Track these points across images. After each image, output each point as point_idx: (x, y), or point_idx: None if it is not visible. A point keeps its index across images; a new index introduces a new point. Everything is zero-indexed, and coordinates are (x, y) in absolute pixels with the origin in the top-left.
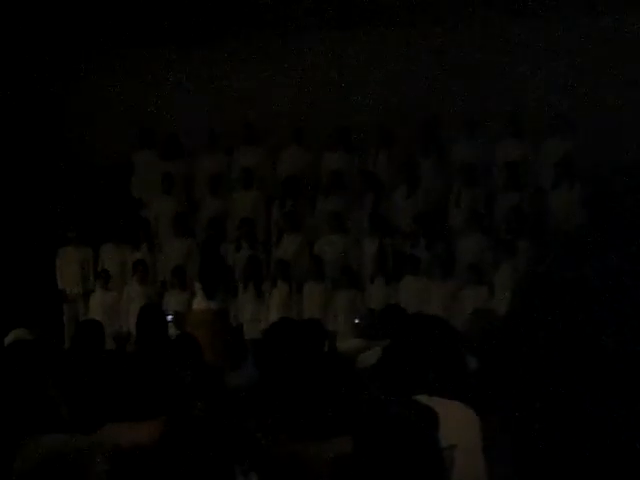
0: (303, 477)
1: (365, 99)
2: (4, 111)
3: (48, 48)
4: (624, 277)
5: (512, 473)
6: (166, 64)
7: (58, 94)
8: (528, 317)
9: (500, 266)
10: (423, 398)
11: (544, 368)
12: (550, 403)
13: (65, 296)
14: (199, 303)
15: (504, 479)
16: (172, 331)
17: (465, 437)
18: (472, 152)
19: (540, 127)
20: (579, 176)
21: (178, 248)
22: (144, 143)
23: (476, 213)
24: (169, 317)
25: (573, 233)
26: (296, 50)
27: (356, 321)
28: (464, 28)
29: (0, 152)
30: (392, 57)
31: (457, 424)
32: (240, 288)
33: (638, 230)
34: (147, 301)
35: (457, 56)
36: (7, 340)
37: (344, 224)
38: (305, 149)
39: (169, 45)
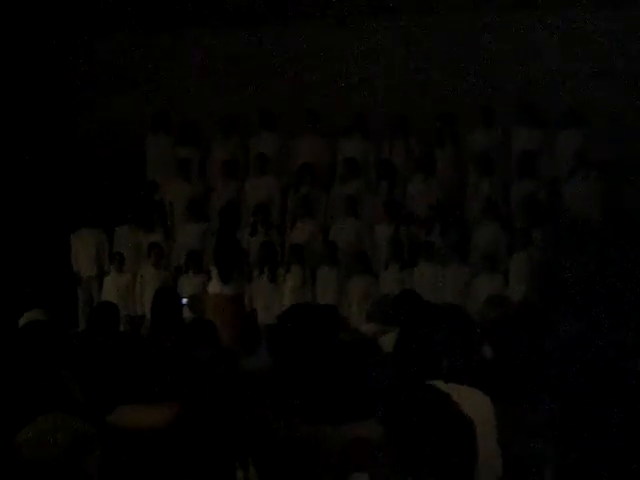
0: (316, 461)
1: (382, 87)
2: (19, 95)
3: (61, 31)
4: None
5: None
6: (181, 48)
7: (73, 77)
8: (542, 305)
9: (515, 254)
10: (438, 384)
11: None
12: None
13: (79, 279)
14: (214, 287)
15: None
16: (187, 315)
17: (480, 424)
18: (488, 141)
19: (557, 116)
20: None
21: (193, 233)
22: (158, 127)
23: (491, 201)
24: (184, 300)
25: (588, 223)
26: (313, 35)
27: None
28: (480, 16)
29: (16, 136)
30: (409, 45)
31: (472, 410)
32: (255, 273)
33: None
34: (161, 284)
35: (473, 44)
36: (22, 321)
37: (358, 210)
38: (321, 136)
39: (184, 28)
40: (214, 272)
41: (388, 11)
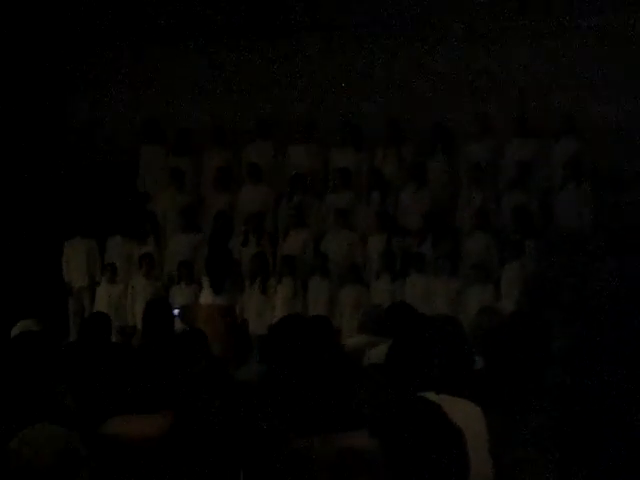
0: (308, 471)
1: (374, 97)
2: (11, 106)
3: (54, 42)
4: (631, 279)
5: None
6: (174, 58)
7: (65, 88)
8: (534, 316)
9: (506, 265)
10: (430, 395)
11: (550, 366)
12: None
13: (70, 289)
14: (205, 298)
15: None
16: (178, 325)
17: (472, 435)
18: (481, 152)
19: (548, 127)
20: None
21: (185, 243)
22: (150, 137)
23: (483, 212)
24: (175, 311)
25: (580, 234)
26: (306, 47)
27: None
28: (474, 27)
29: (7, 146)
30: (402, 57)
31: (463, 421)
32: (247, 284)
33: None
34: (153, 295)
35: (467, 55)
36: (14, 331)
37: (350, 221)
38: (314, 146)
39: (177, 41)
40: (206, 282)
41: (381, 24)
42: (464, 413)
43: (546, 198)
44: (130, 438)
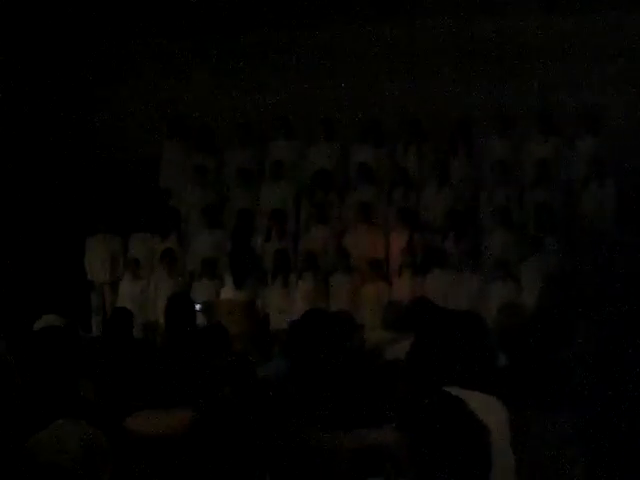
0: (330, 467)
1: (396, 93)
2: (37, 102)
3: (79, 40)
4: None
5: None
6: (198, 56)
7: (89, 84)
8: (556, 313)
9: (528, 261)
10: (453, 390)
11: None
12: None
13: (93, 285)
14: (227, 293)
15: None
16: (200, 321)
17: (494, 430)
18: (503, 149)
19: (571, 124)
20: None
21: (207, 239)
22: (173, 133)
23: (505, 209)
24: (198, 306)
25: (602, 231)
26: (329, 42)
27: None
28: (496, 20)
29: (32, 143)
30: (422, 51)
31: (486, 417)
32: (268, 279)
33: None
34: (174, 291)
35: (489, 50)
36: (37, 325)
37: (372, 216)
38: (335, 142)
39: (201, 35)
40: (228, 278)
41: (405, 16)
42: (487, 408)
43: (569, 195)
44: (152, 433)
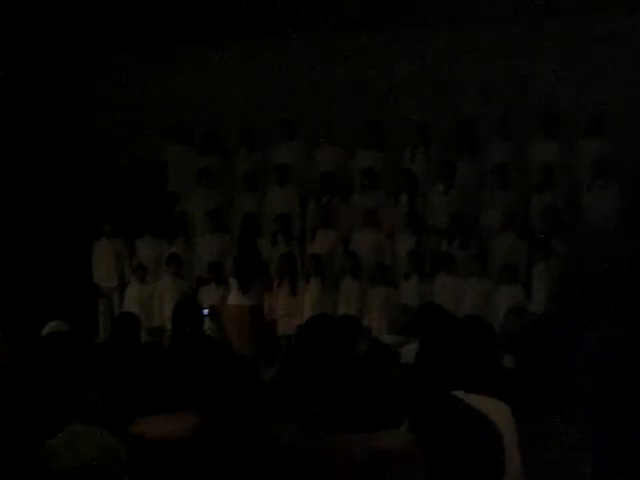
0: (337, 470)
1: (400, 98)
2: (40, 105)
3: (81, 42)
4: None
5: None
6: (202, 59)
7: (94, 87)
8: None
9: (534, 265)
10: (460, 394)
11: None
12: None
13: (100, 289)
14: (234, 298)
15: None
16: (207, 325)
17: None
18: (506, 152)
19: (575, 127)
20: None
21: (213, 243)
22: (179, 137)
23: (509, 213)
24: (205, 311)
25: (608, 233)
26: (332, 44)
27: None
28: (501, 27)
29: (38, 146)
30: (429, 55)
31: (494, 420)
32: (275, 284)
33: None
34: (181, 295)
35: (492, 55)
36: (44, 331)
37: (378, 221)
38: (340, 146)
39: (203, 40)
40: (234, 282)
41: (411, 21)
42: (494, 412)
43: (574, 198)
44: (159, 438)
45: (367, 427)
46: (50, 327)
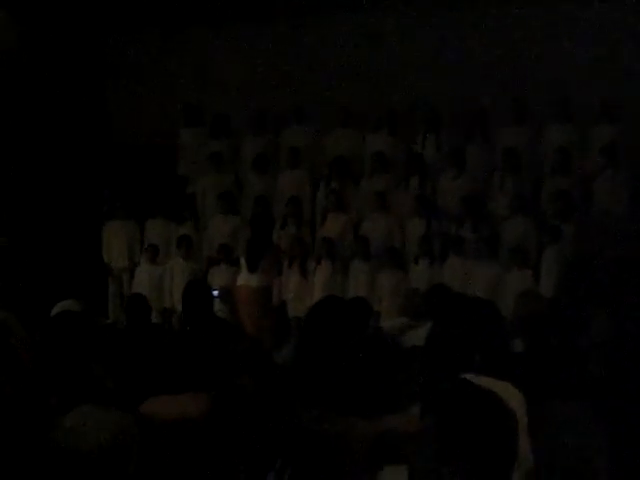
0: (348, 453)
1: (413, 82)
2: (53, 88)
3: (91, 27)
4: None
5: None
6: (213, 42)
7: (106, 71)
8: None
9: (545, 250)
10: (471, 377)
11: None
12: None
13: (110, 270)
14: (242, 279)
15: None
16: (217, 306)
17: None
18: (518, 136)
19: (587, 112)
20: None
21: (224, 225)
22: (190, 120)
23: (520, 197)
24: (215, 292)
25: (618, 218)
26: (343, 30)
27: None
28: (511, 10)
29: (49, 128)
30: (440, 41)
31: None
32: (285, 266)
33: None
34: (191, 276)
35: (505, 39)
36: (54, 311)
37: (388, 204)
38: (352, 130)
39: (217, 23)
40: (244, 264)
41: (419, 6)
42: (505, 395)
43: (586, 183)
44: (169, 419)
45: (379, 410)
46: (60, 306)
